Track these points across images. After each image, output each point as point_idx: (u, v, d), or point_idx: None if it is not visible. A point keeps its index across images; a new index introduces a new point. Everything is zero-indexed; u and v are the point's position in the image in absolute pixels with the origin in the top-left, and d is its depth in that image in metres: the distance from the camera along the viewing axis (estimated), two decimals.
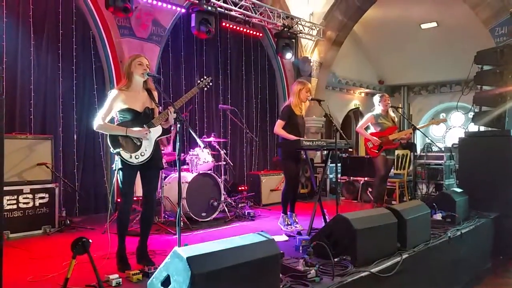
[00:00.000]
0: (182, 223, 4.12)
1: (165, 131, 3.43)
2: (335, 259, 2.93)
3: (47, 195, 4.77)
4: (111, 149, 3.20)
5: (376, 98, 5.84)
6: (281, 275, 2.50)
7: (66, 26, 6.01)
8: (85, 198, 6.06)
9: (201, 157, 5.56)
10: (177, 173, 5.44)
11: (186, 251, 1.97)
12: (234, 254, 2.12)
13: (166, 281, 2.03)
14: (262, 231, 2.45)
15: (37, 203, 4.68)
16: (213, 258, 2.03)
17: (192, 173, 5.38)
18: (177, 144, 2.88)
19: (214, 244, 2.15)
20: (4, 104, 1.41)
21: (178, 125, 2.87)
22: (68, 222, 4.96)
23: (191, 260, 1.91)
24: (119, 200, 5.07)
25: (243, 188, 7.13)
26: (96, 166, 6.33)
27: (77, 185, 5.99)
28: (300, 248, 3.53)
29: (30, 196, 4.64)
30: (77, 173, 6.07)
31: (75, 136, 6.10)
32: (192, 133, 3.00)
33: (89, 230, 4.90)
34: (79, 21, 6.18)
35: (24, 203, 4.58)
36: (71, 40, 6.07)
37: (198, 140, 3.08)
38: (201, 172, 5.42)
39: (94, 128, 3.27)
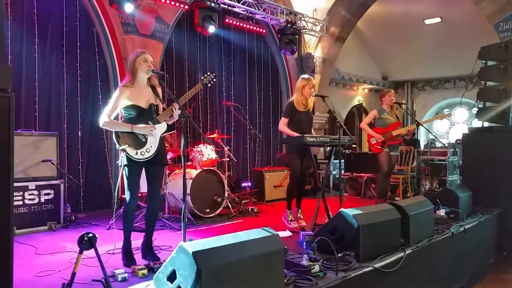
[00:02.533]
0: (186, 219, 4.15)
1: (170, 128, 3.46)
2: (339, 255, 2.94)
3: (52, 192, 4.81)
4: (117, 145, 3.23)
5: (382, 94, 5.85)
6: (285, 270, 2.52)
7: (70, 23, 6.04)
8: (89, 194, 6.10)
9: (205, 154, 5.58)
10: (181, 169, 5.48)
11: (192, 246, 1.99)
12: (239, 249, 2.14)
13: (172, 276, 2.05)
14: (266, 226, 2.46)
15: (42, 199, 4.72)
16: (218, 253, 2.05)
17: (196, 169, 5.40)
18: (182, 140, 2.90)
19: (219, 239, 2.17)
20: (13, 100, 1.43)
21: (183, 122, 2.89)
22: (73, 218, 5.00)
23: (197, 255, 1.93)
24: (123, 196, 5.11)
25: (246, 184, 7.15)
26: (100, 162, 6.36)
27: (81, 181, 6.02)
28: (304, 243, 3.54)
29: (36, 192, 4.68)
30: (81, 169, 6.11)
31: (79, 133, 6.12)
32: (198, 129, 3.01)
33: (93, 226, 4.94)
34: (83, 18, 6.20)
35: (29, 199, 4.62)
36: (75, 37, 6.10)
37: (203, 137, 3.09)
38: (205, 168, 5.45)
39: (100, 125, 3.29)
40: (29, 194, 4.63)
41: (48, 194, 4.78)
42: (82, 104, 6.17)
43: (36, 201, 4.68)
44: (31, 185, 4.65)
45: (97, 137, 6.33)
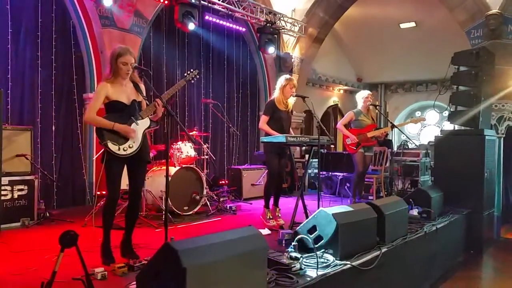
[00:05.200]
0: (164, 216, 4.12)
1: (153, 124, 3.43)
2: (318, 253, 3.00)
3: (26, 187, 4.68)
4: (99, 140, 3.18)
5: (359, 95, 5.97)
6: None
7: (46, 14, 5.88)
8: (63, 191, 5.97)
9: (184, 151, 5.56)
10: (159, 166, 5.44)
11: (178, 245, 1.99)
12: (225, 248, 2.16)
13: (157, 275, 2.05)
14: (250, 225, 2.49)
15: (15, 195, 4.59)
16: (204, 251, 2.06)
17: (175, 166, 5.37)
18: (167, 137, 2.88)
19: (204, 238, 2.18)
20: (2, 96, 1.40)
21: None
22: (47, 214, 4.88)
23: (183, 254, 1.94)
24: (98, 193, 5.03)
25: (223, 182, 7.16)
26: (74, 158, 6.24)
27: (55, 177, 5.88)
28: (283, 241, 3.60)
29: (9, 188, 4.53)
30: (55, 165, 5.97)
31: (53, 127, 5.98)
32: (183, 127, 3.01)
33: (68, 223, 4.83)
34: (59, 9, 6.05)
35: (2, 195, 4.45)
36: (51, 29, 5.95)
37: (188, 135, 3.09)
38: (183, 166, 5.42)
39: (84, 120, 3.24)
40: (2, 190, 4.44)
41: (22, 190, 4.64)
42: (56, 98, 6.03)
43: (9, 196, 4.53)
44: (4, 180, 4.47)
45: (71, 132, 6.20)
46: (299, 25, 9.04)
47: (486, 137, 5.46)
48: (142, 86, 3.46)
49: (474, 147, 5.46)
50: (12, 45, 5.51)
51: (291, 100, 4.89)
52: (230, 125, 7.08)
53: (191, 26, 6.64)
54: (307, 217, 4.61)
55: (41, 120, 5.82)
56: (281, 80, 4.84)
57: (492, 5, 7.11)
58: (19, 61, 5.60)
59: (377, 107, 6.86)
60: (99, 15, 6.15)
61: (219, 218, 5.41)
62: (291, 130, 5.04)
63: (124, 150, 3.20)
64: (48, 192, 5.79)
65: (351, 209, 3.51)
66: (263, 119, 4.80)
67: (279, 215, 4.95)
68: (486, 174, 5.42)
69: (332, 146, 10.24)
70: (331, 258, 3.01)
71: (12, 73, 5.50)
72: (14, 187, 4.59)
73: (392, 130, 5.79)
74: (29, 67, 5.71)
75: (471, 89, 5.68)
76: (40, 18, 5.80)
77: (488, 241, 5.49)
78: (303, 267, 2.78)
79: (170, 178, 5.09)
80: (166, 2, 6.71)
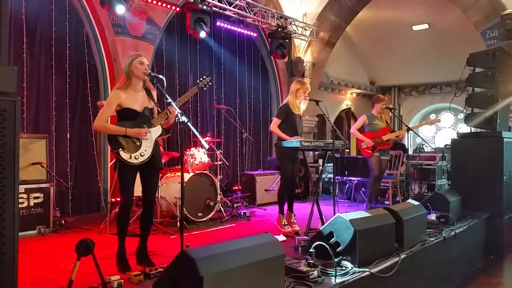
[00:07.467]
0: (178, 223, 4.10)
1: (165, 131, 3.42)
2: (335, 260, 2.94)
3: (42, 195, 4.71)
4: (111, 148, 3.18)
5: (375, 99, 5.92)
6: None
7: (60, 23, 5.95)
8: (78, 198, 6.01)
9: (197, 157, 5.55)
10: (173, 172, 5.43)
11: (194, 253, 1.97)
12: (241, 255, 2.13)
13: (173, 283, 2.03)
14: (266, 232, 2.46)
15: (31, 203, 4.62)
16: (221, 259, 2.03)
17: (189, 173, 5.36)
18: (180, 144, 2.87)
19: (220, 245, 2.15)
20: (19, 104, 1.40)
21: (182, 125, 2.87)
22: (63, 222, 4.90)
23: (199, 261, 1.91)
24: (113, 199, 5.04)
25: (237, 188, 7.13)
26: (89, 165, 6.27)
27: (70, 184, 5.93)
28: (299, 248, 3.54)
29: (25, 196, 4.57)
30: (70, 172, 6.01)
31: (68, 135, 6.04)
32: (196, 133, 2.99)
33: (84, 230, 4.85)
34: (73, 18, 6.12)
35: (18, 202, 4.50)
36: (65, 38, 6.02)
37: (202, 141, 3.07)
38: (197, 172, 5.41)
39: (94, 128, 3.25)
40: (18, 198, 4.50)
41: (38, 197, 4.68)
42: (70, 106, 6.09)
43: (25, 204, 4.57)
44: (20, 188, 4.52)
45: (86, 139, 6.25)
46: (311, 29, 9.01)
47: (505, 139, 5.34)
48: (154, 93, 3.47)
49: (493, 150, 5.33)
50: (27, 54, 5.58)
51: (303, 106, 4.85)
52: (243, 131, 7.06)
53: (203, 34, 6.66)
54: (323, 223, 4.55)
55: (56, 128, 5.88)
56: (294, 83, 4.80)
57: (507, 5, 6.99)
58: (33, 70, 5.67)
59: (392, 110, 6.80)
60: (112, 23, 6.21)
61: (234, 225, 5.38)
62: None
63: (136, 159, 3.19)
64: (63, 199, 5.83)
65: (368, 214, 3.44)
66: (275, 121, 4.74)
67: (294, 221, 4.89)
68: (505, 177, 5.29)
69: (347, 150, 10.15)
70: (349, 265, 2.95)
71: (27, 81, 5.57)
72: (30, 195, 4.63)
73: (407, 133, 5.71)
74: (43, 75, 5.78)
75: (488, 91, 5.56)
76: (54, 27, 5.87)
77: (509, 245, 5.33)
78: (321, 275, 2.72)
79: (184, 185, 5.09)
80: (177, 9, 6.75)
